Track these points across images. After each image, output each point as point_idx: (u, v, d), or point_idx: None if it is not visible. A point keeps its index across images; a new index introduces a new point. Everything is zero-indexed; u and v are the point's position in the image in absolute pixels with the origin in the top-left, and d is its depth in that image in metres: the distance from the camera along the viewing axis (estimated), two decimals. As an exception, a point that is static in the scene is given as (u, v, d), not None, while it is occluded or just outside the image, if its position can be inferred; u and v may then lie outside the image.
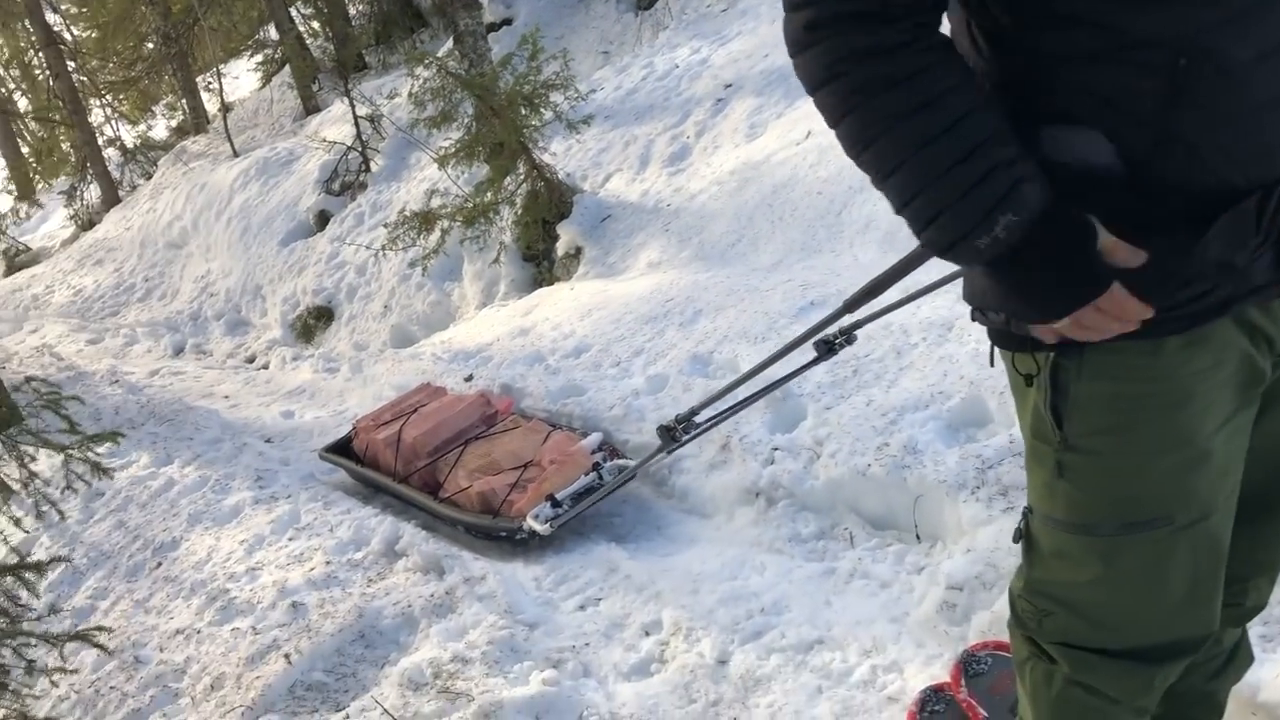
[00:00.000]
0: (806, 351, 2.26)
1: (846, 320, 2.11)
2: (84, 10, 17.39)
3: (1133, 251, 1.22)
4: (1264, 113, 1.19)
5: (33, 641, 3.45)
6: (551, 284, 7.11)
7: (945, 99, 1.19)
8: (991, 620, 2.65)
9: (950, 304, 3.81)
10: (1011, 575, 2.74)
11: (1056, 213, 1.20)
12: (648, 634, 3.17)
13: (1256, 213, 1.21)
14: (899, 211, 1.26)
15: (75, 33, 17.83)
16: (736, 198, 6.28)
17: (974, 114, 1.19)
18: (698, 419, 2.40)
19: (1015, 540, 1.58)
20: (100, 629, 3.62)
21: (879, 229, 5.10)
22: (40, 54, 15.90)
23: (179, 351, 9.73)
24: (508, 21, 10.86)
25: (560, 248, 7.24)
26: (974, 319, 1.47)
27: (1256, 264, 1.25)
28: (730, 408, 2.49)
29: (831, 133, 1.29)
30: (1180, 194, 1.23)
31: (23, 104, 22.62)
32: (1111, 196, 1.24)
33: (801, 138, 6.27)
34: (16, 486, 4.02)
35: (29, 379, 4.16)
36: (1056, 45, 1.22)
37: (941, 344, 3.69)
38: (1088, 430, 1.38)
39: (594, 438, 4.20)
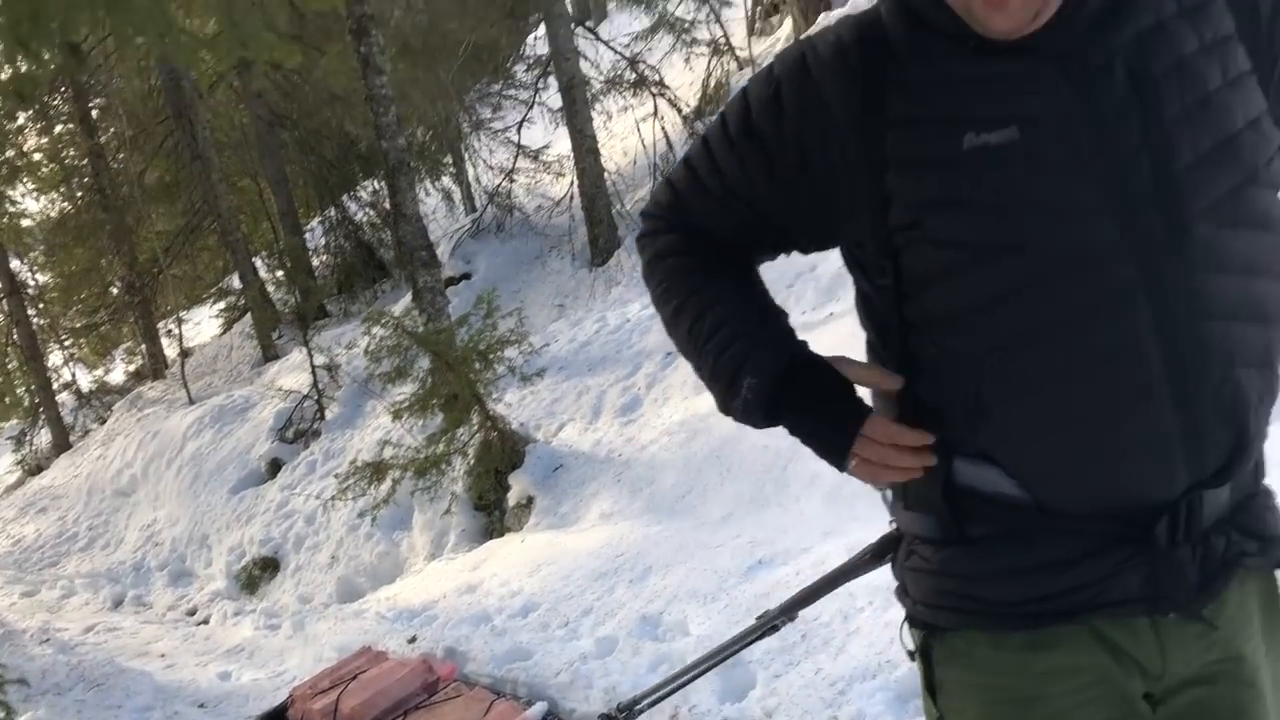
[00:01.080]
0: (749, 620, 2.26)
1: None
2: (51, 259, 17.79)
3: (883, 374, 1.31)
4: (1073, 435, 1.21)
5: None
6: (503, 534, 7.04)
7: (688, 302, 1.39)
8: None
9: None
10: None
11: (794, 368, 1.32)
12: None
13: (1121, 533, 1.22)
14: None
15: (40, 279, 18.17)
16: (686, 449, 6.35)
17: (712, 309, 1.36)
18: (639, 708, 2.35)
19: None
20: None
21: (824, 484, 5.15)
22: (3, 301, 16.12)
23: (118, 604, 9.41)
24: (467, 276, 11.24)
25: (512, 498, 7.21)
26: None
27: (1117, 579, 1.22)
28: (676, 683, 2.44)
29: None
30: (1075, 515, 1.23)
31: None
32: (1025, 518, 1.25)
33: (748, 391, 6.41)
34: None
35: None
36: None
37: (887, 609, 3.66)
38: (954, 714, 1.35)
39: (538, 708, 4.05)
